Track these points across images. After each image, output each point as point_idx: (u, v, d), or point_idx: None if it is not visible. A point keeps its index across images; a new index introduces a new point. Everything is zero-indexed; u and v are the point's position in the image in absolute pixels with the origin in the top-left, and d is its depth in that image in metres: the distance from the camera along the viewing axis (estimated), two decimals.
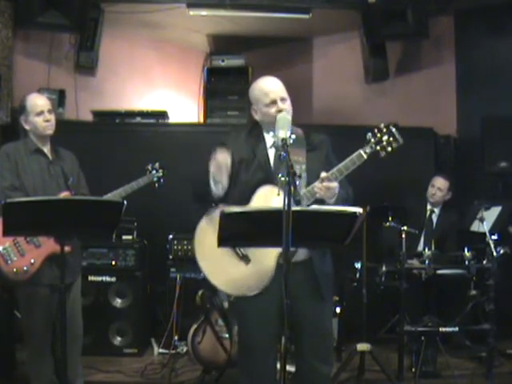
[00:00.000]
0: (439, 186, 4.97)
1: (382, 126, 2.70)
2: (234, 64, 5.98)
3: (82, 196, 3.34)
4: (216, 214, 2.65)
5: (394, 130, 2.68)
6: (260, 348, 2.72)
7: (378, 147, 2.68)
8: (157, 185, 3.80)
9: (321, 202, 2.65)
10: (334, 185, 2.59)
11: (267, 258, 2.60)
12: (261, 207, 2.61)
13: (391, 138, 2.68)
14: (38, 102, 3.27)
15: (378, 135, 2.68)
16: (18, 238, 3.10)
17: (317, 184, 2.59)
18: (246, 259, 2.64)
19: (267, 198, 2.67)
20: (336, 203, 2.63)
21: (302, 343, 2.72)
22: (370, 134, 2.69)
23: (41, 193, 3.16)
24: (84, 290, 3.62)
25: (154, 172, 3.79)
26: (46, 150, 3.32)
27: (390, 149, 2.69)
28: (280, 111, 2.69)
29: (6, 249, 3.09)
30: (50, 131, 3.29)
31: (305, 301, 2.62)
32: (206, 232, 2.67)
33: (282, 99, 2.73)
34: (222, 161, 2.62)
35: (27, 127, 3.27)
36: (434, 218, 5.04)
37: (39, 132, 3.26)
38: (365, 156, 2.66)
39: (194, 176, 2.82)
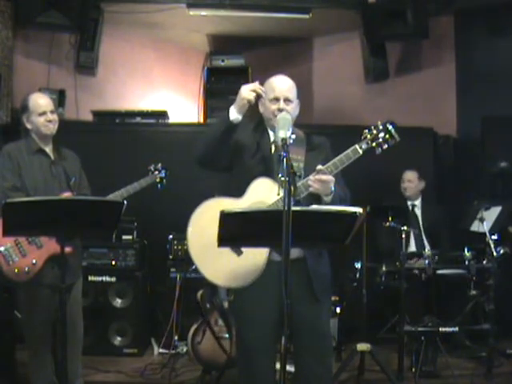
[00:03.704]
0: (409, 179, 5.12)
1: (379, 123, 2.73)
2: (234, 64, 5.99)
3: (82, 196, 3.33)
4: (213, 202, 2.69)
5: (390, 127, 2.70)
6: (258, 348, 2.70)
7: (374, 143, 2.69)
8: (159, 185, 3.80)
9: (317, 199, 2.65)
10: (328, 178, 2.57)
11: (259, 251, 2.61)
12: (261, 208, 2.61)
13: (387, 136, 2.70)
14: (41, 101, 3.26)
15: (375, 132, 2.70)
16: (19, 239, 3.09)
17: (311, 177, 2.59)
18: (238, 251, 2.64)
19: (261, 190, 2.68)
20: (333, 201, 2.63)
21: (299, 343, 2.70)
22: (366, 131, 2.71)
23: (42, 193, 3.15)
24: (84, 290, 3.61)
25: (157, 173, 3.78)
26: (48, 149, 3.31)
27: (386, 146, 2.71)
28: (280, 110, 2.70)
29: (8, 249, 3.08)
30: (51, 131, 3.28)
31: (298, 300, 2.57)
32: (200, 221, 2.67)
33: (286, 99, 2.74)
34: (257, 89, 2.65)
35: (29, 126, 3.26)
36: (418, 211, 5.09)
37: (41, 132, 3.26)
38: (360, 151, 2.67)
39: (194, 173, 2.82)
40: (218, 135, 2.69)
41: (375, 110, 5.91)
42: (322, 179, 2.57)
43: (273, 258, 2.64)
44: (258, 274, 2.63)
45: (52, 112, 3.27)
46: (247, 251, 2.63)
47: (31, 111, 3.24)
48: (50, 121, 3.25)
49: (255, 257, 2.62)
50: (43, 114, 3.23)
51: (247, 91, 2.65)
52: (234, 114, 2.67)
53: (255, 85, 2.67)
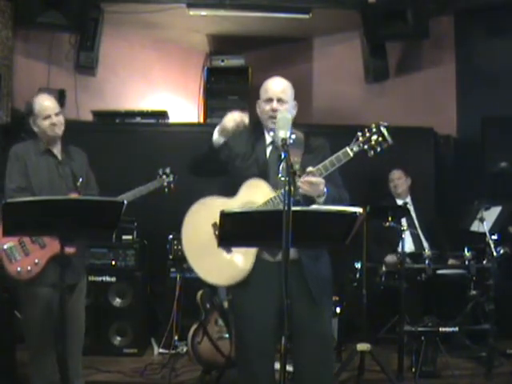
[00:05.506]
0: (397, 177, 5.14)
1: (373, 125, 2.69)
2: (234, 64, 6.00)
3: (81, 196, 3.33)
4: (207, 201, 2.74)
5: (383, 130, 2.66)
6: (258, 349, 2.70)
7: (366, 146, 2.66)
8: (166, 190, 3.77)
9: (311, 202, 2.64)
10: (317, 180, 2.56)
11: (247, 251, 2.64)
12: (262, 208, 2.62)
13: (380, 138, 2.66)
14: (46, 104, 3.25)
15: (367, 134, 2.67)
16: (23, 238, 3.09)
17: (300, 178, 2.58)
18: (227, 249, 2.65)
19: (252, 191, 2.70)
20: (326, 203, 2.61)
21: (299, 344, 2.69)
22: (359, 133, 2.68)
23: (47, 193, 3.13)
24: None
25: (165, 177, 3.76)
26: (56, 150, 3.31)
27: (379, 149, 2.67)
28: (274, 111, 2.72)
29: (11, 248, 3.08)
30: (58, 132, 3.27)
31: (296, 301, 2.51)
32: (195, 217, 2.71)
33: (280, 100, 2.75)
34: (238, 118, 2.72)
35: (36, 130, 3.26)
36: (411, 207, 5.05)
37: (47, 135, 3.26)
38: (351, 154, 2.64)
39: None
40: (204, 156, 2.81)
41: (375, 110, 5.91)
42: (312, 181, 2.55)
43: (264, 257, 2.66)
44: (246, 273, 2.66)
45: (57, 114, 3.26)
46: (236, 250, 2.66)
47: (37, 115, 3.23)
48: (54, 124, 3.25)
49: (243, 255, 2.66)
50: (48, 117, 3.24)
51: (229, 118, 2.74)
52: (216, 135, 2.77)
53: (240, 114, 2.75)
